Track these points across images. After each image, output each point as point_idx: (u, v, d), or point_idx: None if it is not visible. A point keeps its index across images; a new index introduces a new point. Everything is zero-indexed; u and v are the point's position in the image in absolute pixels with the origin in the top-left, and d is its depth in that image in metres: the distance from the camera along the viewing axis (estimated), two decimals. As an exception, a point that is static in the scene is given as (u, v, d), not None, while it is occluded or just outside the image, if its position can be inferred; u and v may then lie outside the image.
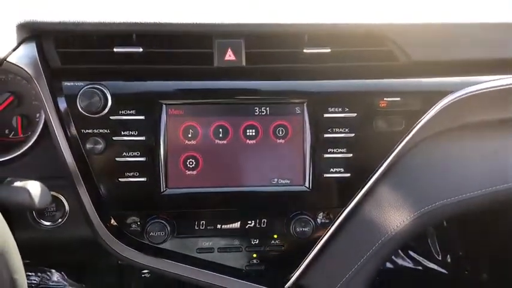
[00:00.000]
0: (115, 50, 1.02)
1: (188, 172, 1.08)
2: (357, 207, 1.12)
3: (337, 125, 1.08)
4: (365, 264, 1.14)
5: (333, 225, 1.13)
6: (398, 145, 1.10)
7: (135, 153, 1.05)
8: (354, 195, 1.11)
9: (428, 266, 1.88)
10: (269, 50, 1.05)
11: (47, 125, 1.06)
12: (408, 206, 1.13)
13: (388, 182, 1.13)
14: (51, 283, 1.53)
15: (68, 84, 1.02)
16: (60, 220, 1.15)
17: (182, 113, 1.06)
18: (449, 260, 1.86)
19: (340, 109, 1.07)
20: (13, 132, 1.21)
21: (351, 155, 1.09)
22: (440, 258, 1.86)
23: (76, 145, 1.04)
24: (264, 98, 1.08)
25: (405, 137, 1.10)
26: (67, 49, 1.03)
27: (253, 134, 1.08)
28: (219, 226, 1.13)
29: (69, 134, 1.04)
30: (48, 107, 1.03)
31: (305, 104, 1.08)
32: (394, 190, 1.13)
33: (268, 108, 1.08)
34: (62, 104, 1.03)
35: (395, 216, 1.13)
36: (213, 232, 1.13)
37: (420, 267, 1.89)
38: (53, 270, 1.55)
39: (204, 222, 1.12)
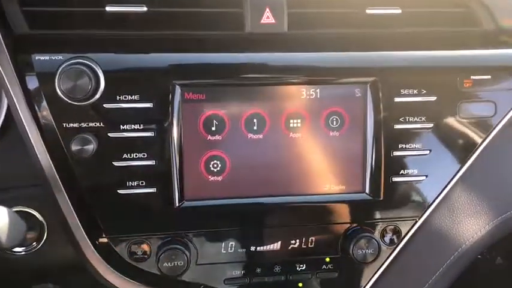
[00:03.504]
0: (107, 9, 0.84)
1: (212, 178, 0.91)
2: (428, 218, 0.98)
3: (412, 112, 0.92)
4: (435, 284, 1.01)
5: (400, 242, 0.97)
6: (487, 136, 0.96)
7: (140, 155, 0.87)
8: (430, 203, 0.96)
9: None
10: (319, 10, 0.90)
11: (11, 116, 0.88)
12: (488, 210, 1.01)
13: (465, 183, 0.99)
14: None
15: (41, 58, 0.83)
16: (34, 244, 0.95)
17: (203, 98, 0.89)
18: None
19: (415, 91, 0.91)
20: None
21: (428, 151, 0.93)
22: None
23: (55, 143, 0.86)
24: (312, 77, 0.91)
25: (496, 126, 0.96)
26: (37, 7, 0.85)
27: (299, 125, 0.91)
28: (253, 248, 0.95)
29: (44, 128, 0.86)
30: (12, 91, 0.84)
31: (368, 85, 0.91)
32: (472, 192, 1.00)
33: (318, 91, 0.91)
34: (33, 86, 0.84)
35: (471, 225, 1.00)
36: (246, 256, 0.95)
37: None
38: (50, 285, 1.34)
39: (233, 243, 0.94)
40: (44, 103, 0.84)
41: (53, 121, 0.84)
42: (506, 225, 1.02)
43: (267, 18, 0.86)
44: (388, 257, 0.97)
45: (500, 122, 0.95)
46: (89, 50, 0.84)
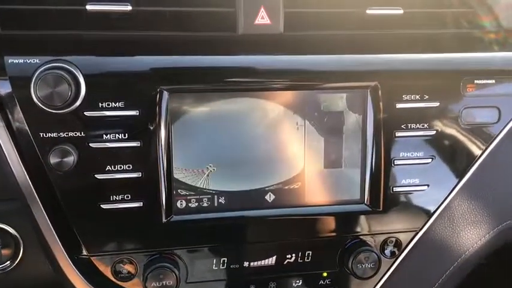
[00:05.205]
0: (88, 7, 0.77)
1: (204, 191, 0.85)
2: (429, 228, 0.94)
3: (414, 118, 0.87)
4: None
5: (401, 254, 0.93)
6: (490, 143, 0.91)
7: (125, 167, 0.81)
8: (432, 213, 0.93)
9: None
10: (317, 10, 0.85)
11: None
12: (489, 219, 0.97)
13: (467, 191, 0.95)
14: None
15: (15, 61, 0.76)
16: (8, 263, 0.87)
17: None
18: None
19: (418, 96, 0.86)
20: None
21: (430, 160, 0.89)
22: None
23: (31, 155, 0.79)
24: (309, 81, 0.85)
25: (500, 133, 0.92)
26: (10, 5, 0.78)
27: (295, 131, 0.85)
28: (246, 264, 0.89)
29: (19, 138, 0.79)
30: None
31: (368, 90, 0.86)
32: (473, 200, 0.97)
33: (315, 95, 0.85)
34: (6, 92, 0.77)
35: (472, 234, 0.97)
36: (239, 273, 0.89)
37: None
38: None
39: (225, 260, 0.88)
40: (18, 111, 0.77)
41: (28, 131, 0.77)
42: (505, 235, 0.98)
43: (262, 18, 0.80)
44: (388, 270, 0.93)
45: (503, 128, 0.91)
46: (68, 52, 0.77)
